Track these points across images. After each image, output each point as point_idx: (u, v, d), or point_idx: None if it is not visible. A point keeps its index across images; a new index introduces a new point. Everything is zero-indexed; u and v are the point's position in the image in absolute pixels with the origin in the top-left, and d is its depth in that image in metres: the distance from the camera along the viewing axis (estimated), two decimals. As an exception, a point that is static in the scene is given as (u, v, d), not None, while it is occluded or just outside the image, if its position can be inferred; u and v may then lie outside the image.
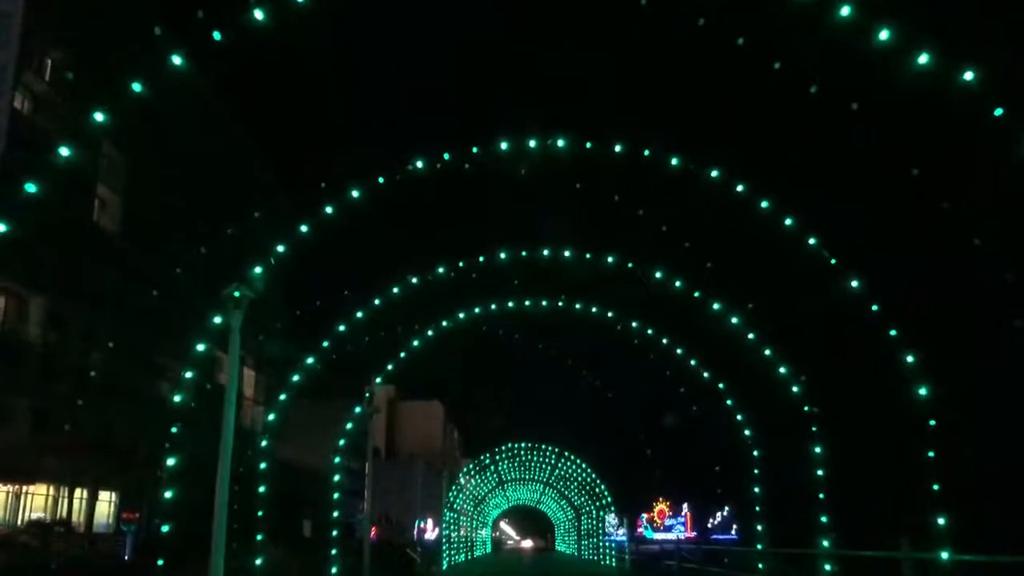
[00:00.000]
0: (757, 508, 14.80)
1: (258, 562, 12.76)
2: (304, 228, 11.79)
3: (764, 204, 11.53)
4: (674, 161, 11.53)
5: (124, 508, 36.34)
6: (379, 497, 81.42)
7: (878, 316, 11.23)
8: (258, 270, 10.40)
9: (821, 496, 12.59)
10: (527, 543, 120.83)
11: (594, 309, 16.10)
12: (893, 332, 10.98)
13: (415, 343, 16.13)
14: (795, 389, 13.33)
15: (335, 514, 15.12)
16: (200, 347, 12.05)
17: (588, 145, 11.70)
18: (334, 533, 14.66)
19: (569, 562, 49.40)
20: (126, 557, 26.77)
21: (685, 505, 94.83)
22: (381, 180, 11.68)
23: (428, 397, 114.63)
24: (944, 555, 9.50)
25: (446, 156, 11.88)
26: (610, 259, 13.95)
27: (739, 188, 11.46)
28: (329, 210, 11.70)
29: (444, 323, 16.05)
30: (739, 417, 15.15)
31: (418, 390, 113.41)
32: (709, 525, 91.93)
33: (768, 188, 11.85)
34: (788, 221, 11.58)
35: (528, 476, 47.19)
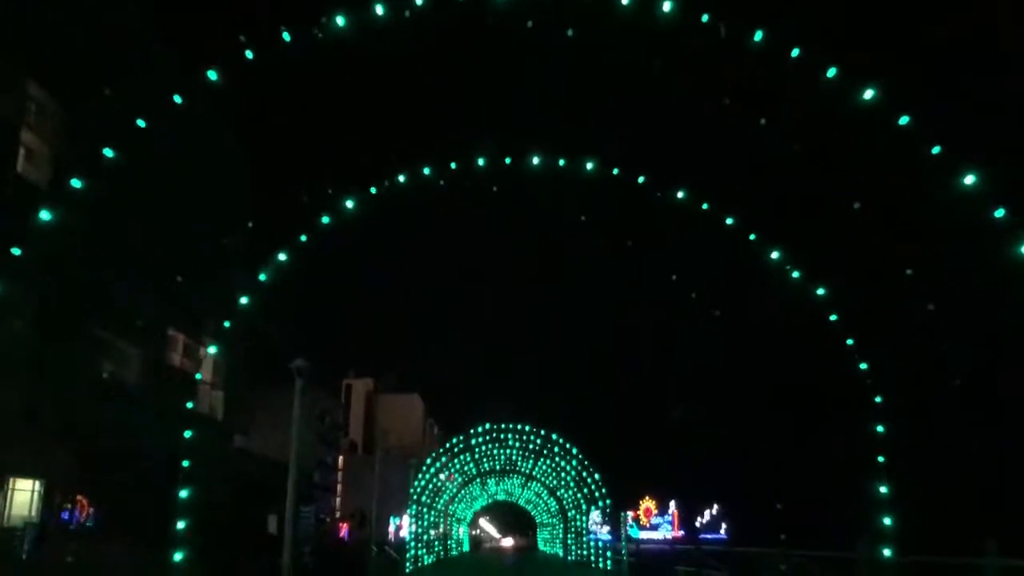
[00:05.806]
0: (884, 489, 10.04)
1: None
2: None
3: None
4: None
5: (49, 498, 31.68)
6: (356, 493, 77.34)
7: None
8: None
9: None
10: (508, 541, 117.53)
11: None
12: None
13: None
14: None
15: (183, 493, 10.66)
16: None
17: None
18: (180, 525, 10.27)
19: (555, 566, 45.16)
20: (23, 556, 22.21)
21: (673, 504, 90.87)
22: None
23: (408, 390, 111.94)
24: None
25: None
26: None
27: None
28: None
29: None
30: (849, 342, 10.71)
31: (399, 385, 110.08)
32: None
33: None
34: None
35: (509, 466, 42.86)
